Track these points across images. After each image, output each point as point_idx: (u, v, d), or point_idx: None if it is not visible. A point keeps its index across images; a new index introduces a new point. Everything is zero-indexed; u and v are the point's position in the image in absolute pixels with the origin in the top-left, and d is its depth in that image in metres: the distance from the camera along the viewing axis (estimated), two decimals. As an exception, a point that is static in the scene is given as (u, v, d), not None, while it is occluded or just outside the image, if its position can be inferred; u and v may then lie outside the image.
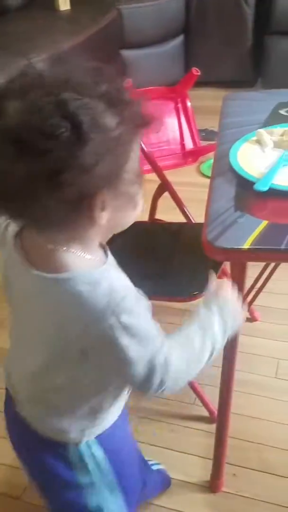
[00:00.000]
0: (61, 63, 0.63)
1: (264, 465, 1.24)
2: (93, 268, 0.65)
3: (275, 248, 0.81)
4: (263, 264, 1.43)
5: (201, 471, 1.23)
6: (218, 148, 1.09)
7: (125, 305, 0.63)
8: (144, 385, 0.68)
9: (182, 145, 2.51)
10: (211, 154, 2.37)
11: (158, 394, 0.70)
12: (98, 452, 0.79)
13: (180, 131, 2.50)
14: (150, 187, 1.47)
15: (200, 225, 0.90)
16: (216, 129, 1.22)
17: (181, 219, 1.50)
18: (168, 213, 1.46)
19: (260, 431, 1.31)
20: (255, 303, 1.44)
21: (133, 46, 2.92)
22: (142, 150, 1.45)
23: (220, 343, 0.75)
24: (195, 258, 0.94)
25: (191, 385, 1.34)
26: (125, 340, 0.63)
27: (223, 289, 0.79)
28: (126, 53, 2.92)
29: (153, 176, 1.46)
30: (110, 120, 0.58)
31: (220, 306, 0.76)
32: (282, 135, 1.07)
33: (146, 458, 1.10)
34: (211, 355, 0.74)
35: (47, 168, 0.56)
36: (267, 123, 1.14)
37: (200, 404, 1.37)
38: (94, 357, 0.68)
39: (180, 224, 1.48)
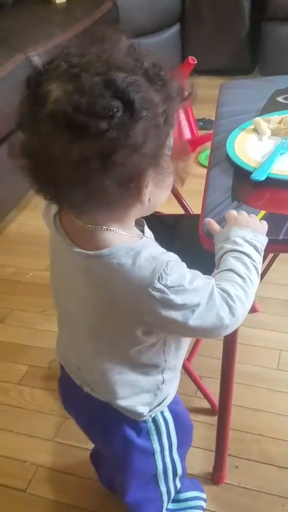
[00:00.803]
0: (97, 43, 0.62)
1: (266, 456, 1.23)
2: (132, 242, 0.66)
3: (273, 238, 0.81)
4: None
5: (203, 463, 1.23)
6: (214, 137, 1.08)
7: (169, 269, 0.64)
8: (219, 327, 0.69)
9: (180, 136, 2.48)
10: (209, 144, 2.36)
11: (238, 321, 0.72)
12: (168, 417, 0.86)
13: (177, 122, 2.47)
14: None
15: (198, 216, 0.89)
16: (213, 118, 1.21)
17: (180, 210, 1.49)
18: (166, 205, 1.44)
19: (262, 423, 1.31)
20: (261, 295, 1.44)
21: (129, 36, 2.88)
22: None
23: (259, 260, 0.76)
24: (193, 250, 0.93)
25: (192, 378, 1.33)
26: (178, 300, 0.64)
27: (235, 216, 0.80)
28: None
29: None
30: (155, 96, 0.59)
31: (242, 236, 0.76)
32: (279, 122, 1.05)
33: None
34: (257, 272, 0.75)
35: (100, 150, 0.57)
36: (264, 111, 1.13)
37: (201, 396, 1.37)
38: (155, 329, 0.70)
39: (178, 216, 1.47)
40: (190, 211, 1.47)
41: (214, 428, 1.15)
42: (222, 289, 0.71)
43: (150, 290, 0.63)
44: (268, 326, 1.56)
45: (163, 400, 0.84)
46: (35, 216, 2.23)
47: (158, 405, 0.84)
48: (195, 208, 1.40)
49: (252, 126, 1.06)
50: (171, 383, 0.84)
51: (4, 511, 1.21)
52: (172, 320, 0.66)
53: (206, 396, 1.35)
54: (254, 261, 0.75)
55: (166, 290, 0.63)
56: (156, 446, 0.87)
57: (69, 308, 0.78)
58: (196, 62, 2.21)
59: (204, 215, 0.86)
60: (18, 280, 1.89)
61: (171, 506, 1.05)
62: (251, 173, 0.91)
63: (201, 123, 2.59)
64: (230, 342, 0.99)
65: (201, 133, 2.53)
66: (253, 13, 2.91)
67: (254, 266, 0.75)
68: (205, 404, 1.36)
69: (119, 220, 0.67)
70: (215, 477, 1.19)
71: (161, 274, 0.63)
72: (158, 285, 0.63)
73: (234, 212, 0.81)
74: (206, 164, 2.50)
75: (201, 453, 1.25)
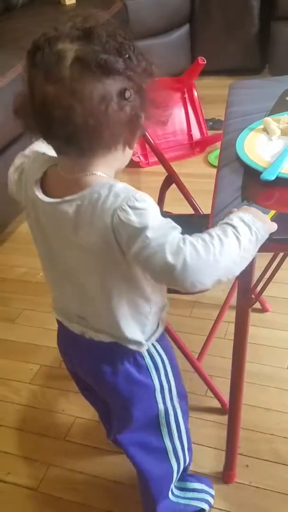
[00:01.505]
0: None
1: (276, 455, 1.23)
2: (111, 180, 0.76)
3: (283, 238, 0.80)
4: (271, 254, 1.42)
5: (213, 462, 1.23)
6: (224, 137, 1.08)
7: (140, 197, 0.72)
8: (168, 264, 0.70)
9: (189, 136, 2.49)
10: (218, 144, 2.36)
11: (188, 286, 0.71)
12: (161, 351, 0.92)
13: (187, 122, 2.48)
14: (157, 179, 1.47)
15: (208, 216, 0.89)
16: (223, 118, 1.21)
17: (190, 210, 1.49)
18: (176, 205, 1.45)
19: (272, 422, 1.31)
20: (264, 293, 1.43)
21: (138, 37, 2.84)
22: (149, 142, 1.44)
23: (247, 237, 0.75)
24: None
25: (202, 377, 1.34)
26: (136, 222, 0.70)
27: (247, 208, 0.82)
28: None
29: (159, 168, 1.45)
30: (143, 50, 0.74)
31: (240, 216, 0.77)
32: (289, 122, 1.05)
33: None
34: (238, 241, 0.74)
35: (118, 87, 0.70)
36: (273, 111, 1.13)
37: (212, 395, 1.37)
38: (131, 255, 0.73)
39: (188, 216, 1.47)
40: (200, 211, 1.47)
41: (225, 427, 1.15)
42: (182, 237, 0.72)
43: (118, 211, 0.71)
44: (278, 326, 1.56)
45: (155, 330, 0.91)
46: (45, 217, 2.25)
47: (152, 334, 0.90)
48: (205, 208, 1.41)
49: (261, 126, 1.06)
50: (156, 314, 0.89)
51: (15, 510, 1.22)
52: (133, 245, 0.71)
53: (216, 395, 1.35)
54: (238, 232, 0.74)
55: (130, 211, 0.70)
56: (156, 383, 0.94)
57: (68, 263, 0.82)
58: (205, 62, 2.22)
59: (214, 215, 0.86)
60: (29, 280, 1.90)
61: (177, 492, 1.08)
62: (261, 173, 0.91)
63: (211, 123, 2.59)
64: (240, 341, 1.00)
65: (210, 133, 2.53)
66: (262, 13, 2.90)
67: (235, 234, 0.74)
68: (216, 404, 1.36)
69: (105, 166, 0.76)
70: (225, 476, 1.19)
71: (130, 198, 0.71)
72: (125, 207, 0.71)
73: (246, 207, 0.82)
74: (216, 164, 2.50)
75: (212, 452, 1.26)
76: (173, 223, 0.73)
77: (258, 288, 0.96)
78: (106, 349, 0.89)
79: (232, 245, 0.73)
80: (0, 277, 1.94)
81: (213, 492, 1.15)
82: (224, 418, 1.15)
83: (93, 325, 0.88)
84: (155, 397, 0.95)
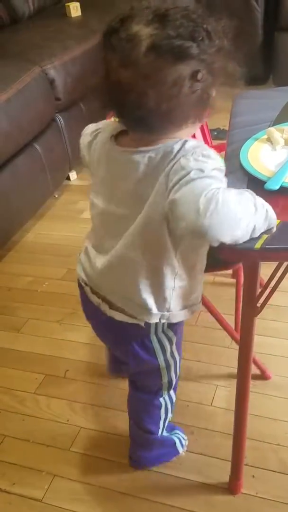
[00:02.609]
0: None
1: (283, 466, 1.23)
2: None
3: (287, 247, 0.80)
4: (276, 263, 1.42)
5: (220, 472, 1.22)
6: (228, 147, 1.09)
7: (207, 153, 0.76)
8: (198, 207, 0.71)
9: (195, 146, 2.50)
10: (222, 154, 2.36)
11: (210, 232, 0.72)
12: (172, 336, 0.98)
13: (192, 132, 2.49)
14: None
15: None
16: (227, 128, 1.22)
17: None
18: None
19: (278, 432, 1.30)
20: (269, 302, 1.43)
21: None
22: None
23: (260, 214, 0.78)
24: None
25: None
26: (196, 166, 0.74)
27: None
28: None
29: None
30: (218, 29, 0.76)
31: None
32: (293, 132, 1.06)
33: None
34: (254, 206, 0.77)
35: (191, 69, 0.72)
36: (277, 121, 1.13)
37: (218, 405, 1.37)
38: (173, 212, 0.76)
39: None
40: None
41: (230, 438, 1.14)
42: (222, 188, 0.74)
43: (181, 159, 0.75)
44: (283, 335, 1.55)
45: (176, 312, 0.94)
46: (51, 226, 2.26)
47: (170, 313, 0.93)
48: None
49: (265, 136, 1.06)
50: (181, 298, 0.92)
51: (21, 520, 1.22)
52: (177, 181, 0.74)
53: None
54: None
55: (191, 158, 0.74)
56: (162, 362, 1.01)
57: (120, 212, 0.86)
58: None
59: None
60: (35, 289, 1.91)
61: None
62: (265, 182, 0.91)
63: (215, 133, 2.60)
64: (245, 350, 0.99)
65: (215, 143, 2.53)
66: (266, 23, 2.92)
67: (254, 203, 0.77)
68: (222, 413, 1.35)
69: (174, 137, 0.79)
70: (232, 486, 1.18)
71: (196, 151, 0.75)
72: (188, 156, 0.75)
73: None
74: (221, 174, 2.49)
75: (218, 462, 1.25)
76: (224, 183, 0.76)
77: (263, 297, 0.96)
78: (117, 328, 0.94)
79: (258, 214, 0.77)
80: (6, 286, 1.95)
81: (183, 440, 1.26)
82: (231, 428, 1.14)
83: (110, 289, 0.92)
84: (160, 371, 1.03)
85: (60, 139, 2.33)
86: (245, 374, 1.03)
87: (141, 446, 1.23)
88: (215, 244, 0.74)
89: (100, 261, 0.93)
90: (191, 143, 0.77)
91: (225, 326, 1.39)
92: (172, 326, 0.97)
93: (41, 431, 1.39)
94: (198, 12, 0.74)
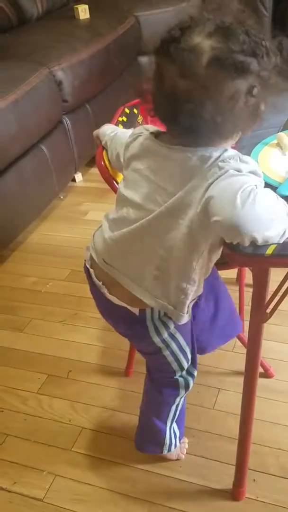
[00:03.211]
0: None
1: (283, 470, 1.23)
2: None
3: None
4: (286, 269, 1.42)
5: (220, 475, 1.23)
6: (237, 152, 1.09)
7: (246, 159, 0.78)
8: (233, 202, 0.73)
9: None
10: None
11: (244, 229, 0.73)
12: (169, 323, 0.98)
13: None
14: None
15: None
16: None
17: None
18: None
19: (280, 436, 1.30)
20: (279, 308, 1.44)
21: (151, 52, 2.92)
22: None
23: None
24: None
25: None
26: (236, 166, 0.77)
27: None
28: (144, 60, 2.94)
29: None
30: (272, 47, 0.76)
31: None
32: (302, 138, 1.06)
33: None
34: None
35: (249, 84, 0.73)
36: (287, 126, 1.14)
37: (219, 409, 1.37)
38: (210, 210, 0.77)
39: None
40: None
41: (233, 441, 1.15)
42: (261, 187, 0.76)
43: (219, 163, 0.77)
44: (285, 339, 1.55)
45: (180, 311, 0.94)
46: (56, 227, 2.27)
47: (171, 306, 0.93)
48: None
49: (275, 141, 1.07)
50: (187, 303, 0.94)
51: (20, 519, 1.22)
52: (216, 178, 0.76)
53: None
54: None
55: (230, 161, 0.76)
56: (159, 343, 1.01)
57: (142, 202, 0.87)
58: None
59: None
60: (38, 290, 1.91)
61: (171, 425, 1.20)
62: (276, 187, 0.91)
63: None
64: (253, 356, 1.00)
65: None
66: (274, 29, 2.92)
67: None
68: (224, 416, 1.36)
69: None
70: (235, 492, 1.18)
71: (235, 156, 0.78)
72: (227, 160, 0.77)
73: None
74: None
75: (220, 466, 1.25)
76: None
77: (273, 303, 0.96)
78: (115, 310, 0.97)
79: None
80: (10, 286, 1.95)
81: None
82: (233, 432, 1.14)
83: (120, 275, 0.93)
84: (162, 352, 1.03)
85: (66, 140, 2.33)
86: (252, 379, 1.03)
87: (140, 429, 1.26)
88: (247, 242, 0.74)
89: (115, 233, 0.94)
90: (230, 152, 0.79)
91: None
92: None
93: (43, 431, 1.39)
94: (256, 27, 0.75)
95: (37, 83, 2.06)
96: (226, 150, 0.79)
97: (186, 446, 1.29)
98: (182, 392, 1.13)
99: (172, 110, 0.76)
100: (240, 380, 1.05)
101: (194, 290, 0.92)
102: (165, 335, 0.99)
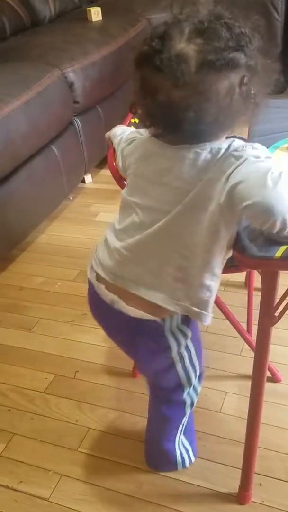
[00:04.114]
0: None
1: (290, 475, 1.22)
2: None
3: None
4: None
5: (226, 479, 1.22)
6: (247, 155, 1.09)
7: (255, 145, 0.79)
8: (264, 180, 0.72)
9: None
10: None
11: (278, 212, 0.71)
12: (188, 332, 0.97)
13: (208, 139, 2.50)
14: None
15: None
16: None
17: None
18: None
19: (286, 440, 1.29)
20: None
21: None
22: None
23: None
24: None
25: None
26: (251, 153, 0.77)
27: None
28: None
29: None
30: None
31: None
32: (312, 142, 1.06)
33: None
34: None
35: (240, 77, 0.73)
36: (297, 131, 1.14)
37: (226, 412, 1.37)
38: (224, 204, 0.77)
39: None
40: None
41: (239, 445, 1.14)
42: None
43: (232, 152, 0.77)
44: (293, 344, 1.55)
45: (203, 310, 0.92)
46: (64, 227, 2.28)
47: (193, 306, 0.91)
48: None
49: (286, 145, 1.07)
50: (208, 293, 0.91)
51: (26, 518, 1.22)
52: (236, 167, 0.75)
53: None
54: None
55: (244, 149, 0.77)
56: (176, 355, 0.99)
57: (155, 205, 0.86)
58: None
59: (239, 231, 0.87)
60: (47, 289, 1.92)
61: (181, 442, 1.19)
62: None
63: (231, 141, 2.61)
64: (261, 360, 0.99)
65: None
66: (286, 33, 2.93)
67: None
68: (230, 419, 1.35)
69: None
70: (241, 496, 1.18)
71: (245, 144, 0.78)
72: (240, 149, 0.77)
73: None
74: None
75: (226, 469, 1.25)
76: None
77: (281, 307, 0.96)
78: (130, 325, 0.93)
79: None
80: (19, 286, 1.96)
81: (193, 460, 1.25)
82: (239, 436, 1.14)
83: (134, 274, 0.90)
84: (174, 365, 1.01)
85: (77, 142, 2.34)
86: (259, 383, 1.02)
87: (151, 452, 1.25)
88: (278, 226, 0.72)
89: (128, 241, 0.91)
90: (238, 141, 0.79)
91: (241, 333, 1.39)
92: (187, 321, 0.96)
93: (49, 431, 1.40)
94: (230, 16, 0.74)
95: (49, 84, 2.08)
96: (233, 140, 0.80)
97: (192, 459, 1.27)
98: (188, 411, 1.13)
99: (173, 120, 0.76)
100: (248, 383, 1.05)
101: (217, 286, 0.91)
102: (182, 346, 0.98)
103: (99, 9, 2.77)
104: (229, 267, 0.95)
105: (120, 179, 1.12)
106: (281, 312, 0.92)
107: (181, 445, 1.20)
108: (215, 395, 1.42)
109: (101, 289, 0.95)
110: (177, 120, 0.75)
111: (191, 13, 0.75)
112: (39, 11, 2.88)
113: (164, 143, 0.84)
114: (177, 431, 1.16)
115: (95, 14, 2.76)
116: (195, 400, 1.12)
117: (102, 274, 0.95)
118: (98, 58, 2.38)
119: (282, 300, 0.91)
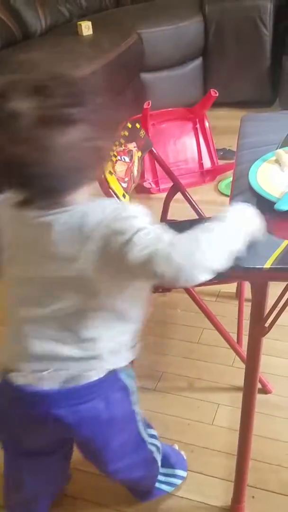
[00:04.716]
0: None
1: (283, 487, 1.22)
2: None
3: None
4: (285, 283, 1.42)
5: (220, 492, 1.22)
6: (236, 168, 1.10)
7: (127, 207, 0.81)
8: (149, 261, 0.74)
9: (200, 164, 2.52)
10: (229, 173, 2.38)
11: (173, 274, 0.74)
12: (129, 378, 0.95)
13: (198, 151, 2.52)
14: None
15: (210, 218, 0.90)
16: (233, 148, 1.24)
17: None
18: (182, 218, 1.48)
19: (279, 452, 1.29)
20: (277, 323, 1.44)
21: (153, 69, 2.97)
22: (157, 158, 1.52)
23: (234, 233, 0.80)
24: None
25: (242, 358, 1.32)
26: (131, 226, 0.76)
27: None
28: (146, 76, 2.98)
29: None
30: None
31: (232, 214, 0.83)
32: (300, 155, 1.07)
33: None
34: (223, 241, 0.79)
35: (80, 132, 0.74)
36: (285, 143, 1.15)
37: (219, 424, 1.36)
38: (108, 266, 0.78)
39: (192, 221, 1.44)
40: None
41: (232, 457, 1.14)
42: (171, 239, 0.76)
43: (107, 222, 0.77)
44: (284, 354, 1.55)
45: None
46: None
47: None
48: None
49: (274, 158, 1.08)
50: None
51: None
52: (127, 250, 0.75)
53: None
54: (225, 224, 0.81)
55: (120, 218, 0.77)
56: (139, 418, 0.99)
57: (46, 276, 0.83)
58: (217, 94, 2.27)
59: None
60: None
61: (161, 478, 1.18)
62: (274, 203, 0.92)
63: (221, 153, 2.63)
64: (251, 370, 1.00)
65: (221, 162, 2.56)
66: (274, 47, 2.96)
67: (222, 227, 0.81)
68: (223, 431, 1.35)
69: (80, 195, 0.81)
70: (234, 509, 1.17)
71: (117, 208, 0.79)
72: (114, 218, 0.77)
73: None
74: (226, 192, 2.51)
75: (218, 482, 1.24)
76: (161, 228, 0.77)
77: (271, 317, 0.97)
78: (70, 398, 0.86)
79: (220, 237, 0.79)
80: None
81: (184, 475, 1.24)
82: (231, 448, 1.14)
83: (56, 358, 0.86)
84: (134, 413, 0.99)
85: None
86: (251, 394, 1.02)
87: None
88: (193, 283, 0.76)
89: (33, 312, 0.87)
90: (104, 201, 0.82)
91: (231, 344, 1.39)
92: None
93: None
94: (72, 76, 0.78)
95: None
96: (94, 201, 0.81)
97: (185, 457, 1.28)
98: (158, 457, 1.11)
99: (19, 177, 0.75)
100: (240, 395, 1.05)
101: (135, 327, 0.93)
102: (135, 392, 0.97)
103: (89, 23, 2.80)
104: (219, 278, 0.96)
105: (108, 192, 1.13)
106: (271, 322, 0.92)
107: (163, 478, 1.20)
108: (208, 407, 1.42)
109: (29, 378, 0.89)
110: (24, 176, 0.75)
111: (30, 74, 0.76)
112: (30, 24, 2.90)
113: (29, 212, 0.81)
114: (157, 477, 1.16)
115: (86, 28, 2.78)
116: (159, 444, 1.12)
117: (20, 365, 0.89)
118: (89, 72, 2.39)
119: (272, 310, 0.92)
